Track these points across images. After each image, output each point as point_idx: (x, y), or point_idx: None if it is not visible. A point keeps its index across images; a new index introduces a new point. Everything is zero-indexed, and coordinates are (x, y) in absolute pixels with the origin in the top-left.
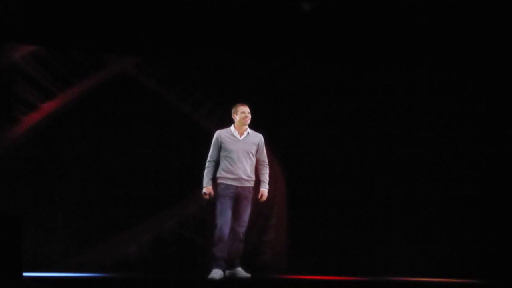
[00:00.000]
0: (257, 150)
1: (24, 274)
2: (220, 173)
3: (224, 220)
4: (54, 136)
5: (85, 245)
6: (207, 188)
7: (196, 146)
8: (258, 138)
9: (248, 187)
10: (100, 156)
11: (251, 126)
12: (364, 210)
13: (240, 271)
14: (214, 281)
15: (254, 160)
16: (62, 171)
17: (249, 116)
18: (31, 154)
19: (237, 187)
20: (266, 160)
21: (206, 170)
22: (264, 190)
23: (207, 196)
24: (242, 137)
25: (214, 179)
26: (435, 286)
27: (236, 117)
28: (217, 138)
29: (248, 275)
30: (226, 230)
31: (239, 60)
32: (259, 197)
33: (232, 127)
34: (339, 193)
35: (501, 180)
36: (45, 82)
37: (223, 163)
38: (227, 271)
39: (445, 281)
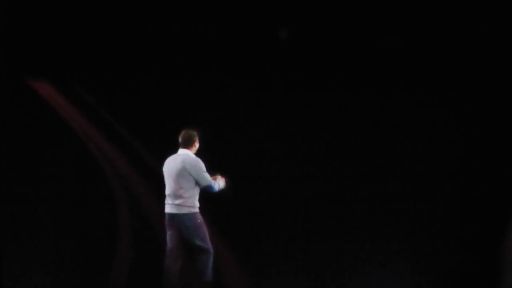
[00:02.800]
0: None
1: None
2: (198, 202)
3: None
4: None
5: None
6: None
7: None
8: None
9: None
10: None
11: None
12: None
13: None
14: None
15: None
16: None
17: None
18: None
19: None
20: None
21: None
22: None
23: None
24: None
25: (192, 206)
26: None
27: (197, 146)
28: None
29: None
30: None
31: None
32: None
33: (194, 154)
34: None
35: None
36: None
37: (198, 191)
38: None
39: None
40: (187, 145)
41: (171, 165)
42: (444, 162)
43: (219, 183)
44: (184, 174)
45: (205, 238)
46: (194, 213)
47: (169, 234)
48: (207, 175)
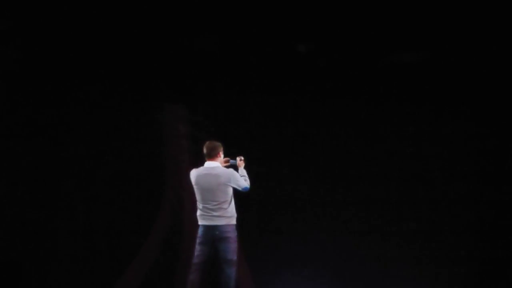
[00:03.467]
0: None
1: None
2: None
3: None
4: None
5: None
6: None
7: None
8: None
9: None
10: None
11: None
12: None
13: None
14: None
15: None
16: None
17: None
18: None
19: None
20: None
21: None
22: None
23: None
24: None
25: (232, 216)
26: None
27: (222, 156)
28: None
29: None
30: None
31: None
32: None
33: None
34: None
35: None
36: None
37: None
38: None
39: None
40: (213, 156)
41: (207, 180)
42: (460, 165)
43: (244, 174)
44: (223, 188)
45: (235, 252)
46: (233, 225)
47: (200, 247)
48: (242, 180)
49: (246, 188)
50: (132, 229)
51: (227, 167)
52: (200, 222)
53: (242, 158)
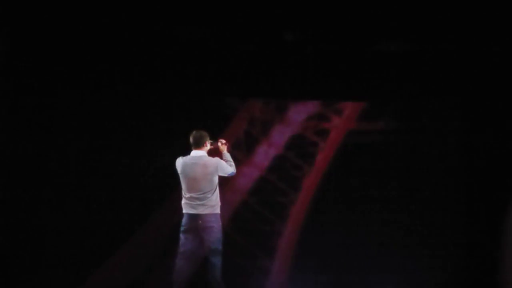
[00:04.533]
0: None
1: None
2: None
3: None
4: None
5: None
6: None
7: None
8: None
9: None
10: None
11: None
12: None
13: None
14: None
15: None
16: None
17: None
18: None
19: None
20: None
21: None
22: None
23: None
24: None
25: (217, 206)
26: None
27: (208, 146)
28: None
29: None
30: None
31: None
32: None
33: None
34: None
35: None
36: None
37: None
38: None
39: None
40: (199, 145)
41: (193, 169)
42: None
43: (229, 159)
44: (210, 178)
45: (220, 241)
46: (217, 214)
47: (185, 236)
48: (227, 166)
49: (232, 173)
50: (128, 228)
51: (212, 151)
52: (184, 211)
53: (224, 141)
